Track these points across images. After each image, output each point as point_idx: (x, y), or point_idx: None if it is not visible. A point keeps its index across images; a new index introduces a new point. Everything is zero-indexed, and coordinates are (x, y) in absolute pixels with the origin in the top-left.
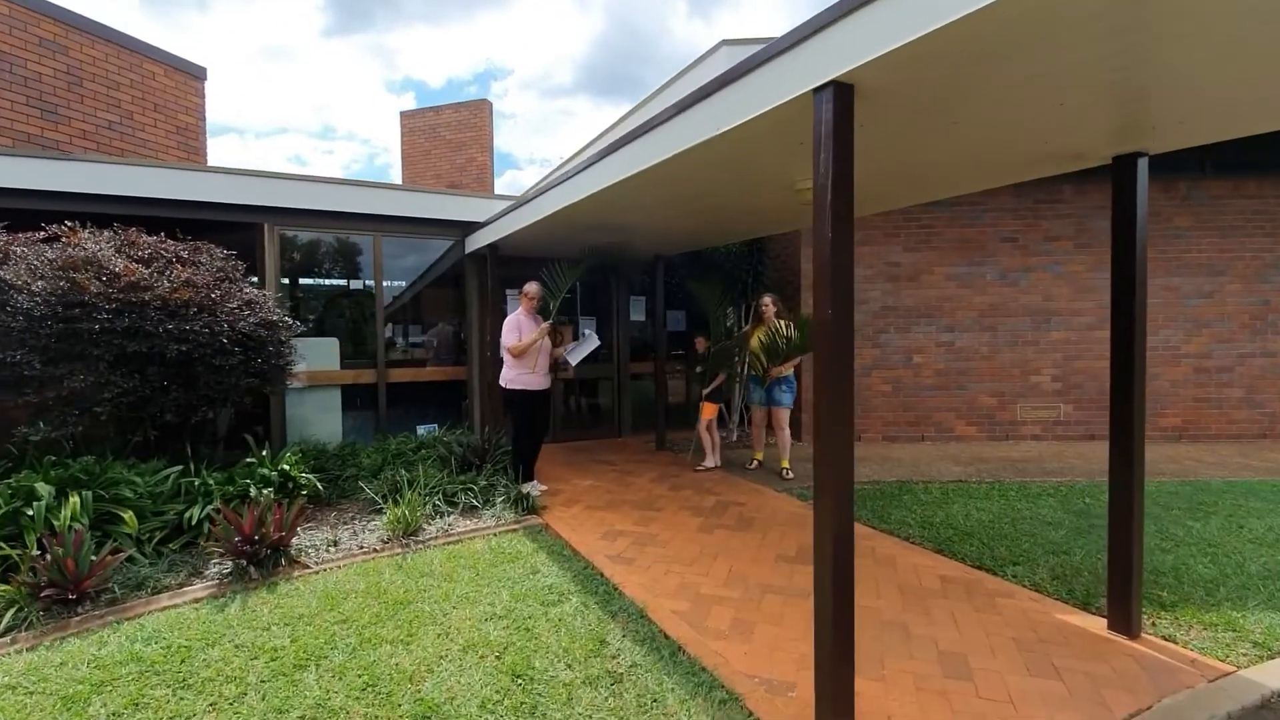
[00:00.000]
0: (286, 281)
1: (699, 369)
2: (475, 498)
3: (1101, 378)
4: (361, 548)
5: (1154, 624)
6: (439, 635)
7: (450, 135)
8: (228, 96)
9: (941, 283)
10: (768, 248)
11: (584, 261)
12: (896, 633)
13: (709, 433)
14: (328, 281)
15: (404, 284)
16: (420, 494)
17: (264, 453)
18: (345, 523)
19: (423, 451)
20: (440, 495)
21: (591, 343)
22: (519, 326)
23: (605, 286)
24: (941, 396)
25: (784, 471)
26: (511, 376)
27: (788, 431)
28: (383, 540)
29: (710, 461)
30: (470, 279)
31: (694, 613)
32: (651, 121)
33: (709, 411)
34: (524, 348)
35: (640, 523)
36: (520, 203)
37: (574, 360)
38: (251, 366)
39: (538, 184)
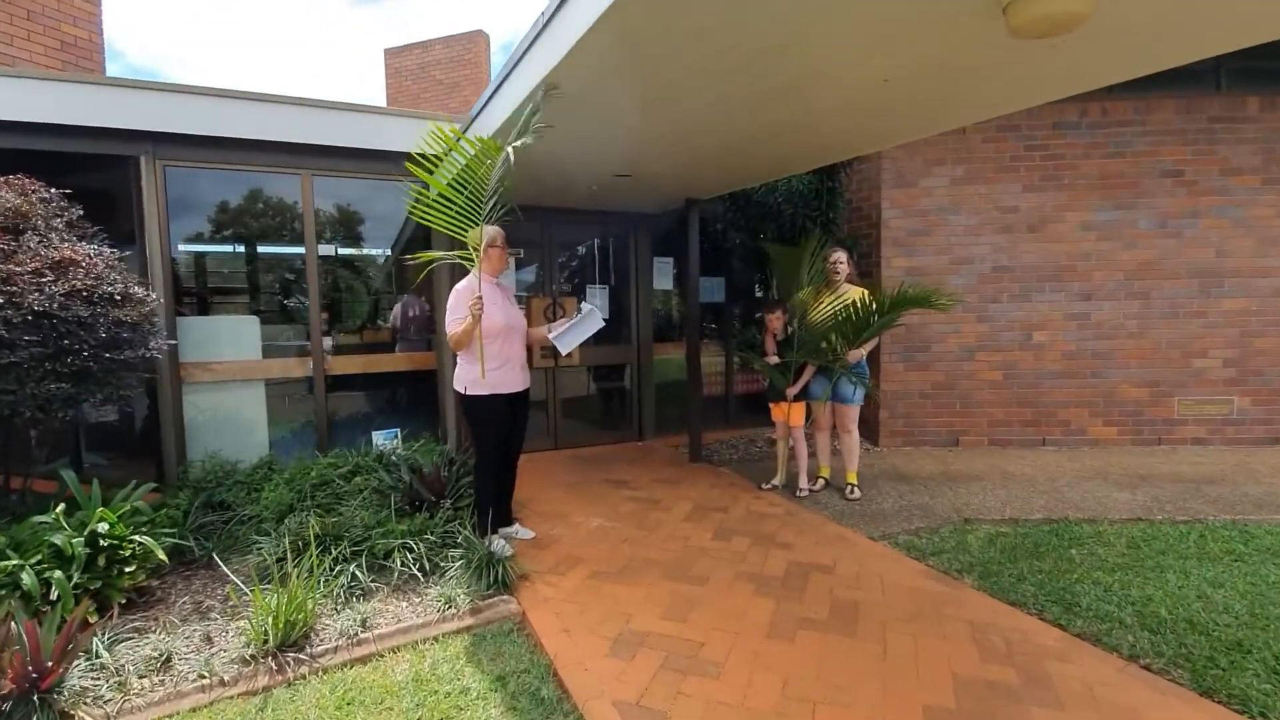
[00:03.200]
0: (197, 245)
1: (776, 357)
2: (419, 561)
3: None
4: (204, 675)
5: None
6: None
7: (442, 75)
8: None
9: (1075, 234)
10: (839, 188)
11: (534, 111)
12: None
13: (795, 445)
14: (256, 243)
15: (359, 242)
16: (328, 560)
17: (95, 497)
18: (206, 610)
19: (357, 479)
20: (366, 557)
21: (592, 322)
22: (467, 299)
23: (622, 244)
24: (1071, 387)
25: (849, 489)
26: (469, 376)
27: (855, 435)
28: (248, 656)
29: (780, 477)
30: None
31: None
32: None
33: (798, 417)
34: (461, 336)
35: (675, 613)
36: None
37: (565, 346)
38: (66, 362)
39: None
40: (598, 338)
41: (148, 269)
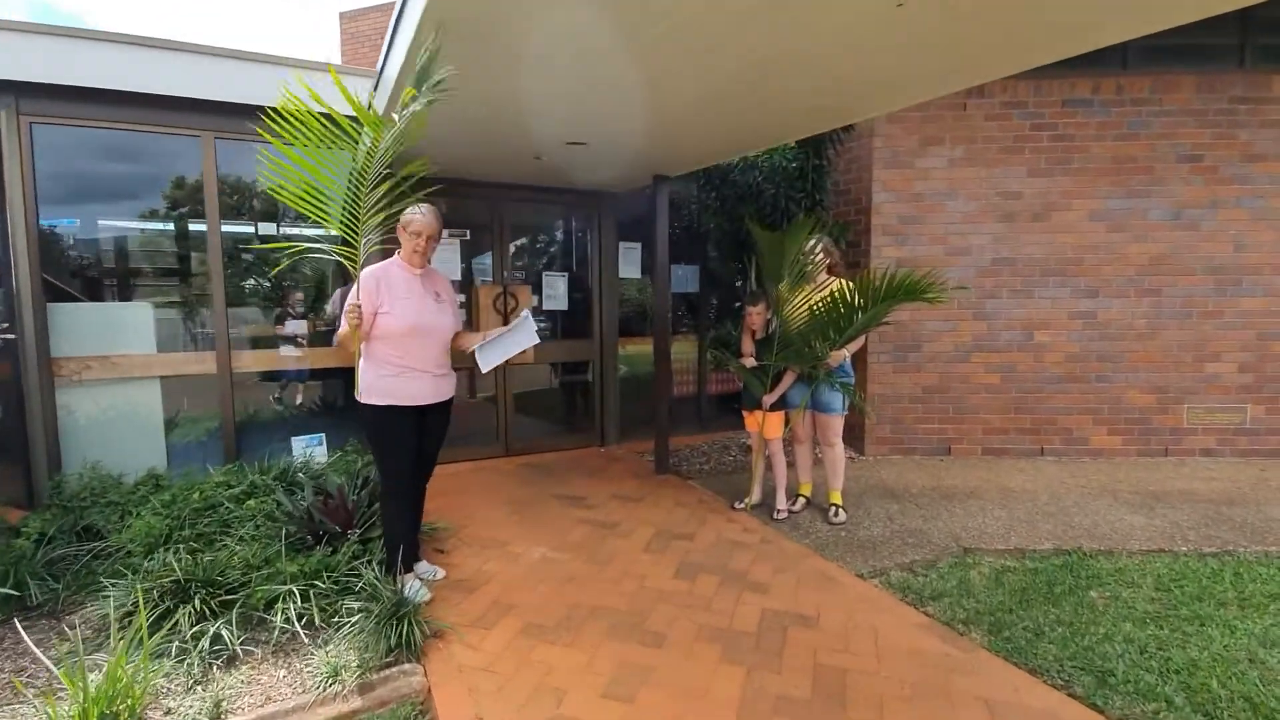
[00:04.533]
0: (74, 219)
1: (753, 359)
2: (309, 613)
3: None
4: None
5: None
6: None
7: None
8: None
9: (1083, 223)
10: (826, 167)
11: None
12: None
13: (772, 459)
14: (151, 218)
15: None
16: (187, 615)
17: None
18: (29, 681)
19: (251, 502)
20: (240, 609)
21: (523, 335)
22: (371, 295)
23: (584, 227)
24: (1074, 392)
25: (833, 511)
26: (371, 380)
27: (840, 449)
28: None
29: (754, 496)
30: None
31: None
32: None
33: (774, 428)
34: (342, 339)
35: (621, 688)
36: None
37: (485, 363)
38: None
39: None
40: (555, 331)
41: (8, 244)
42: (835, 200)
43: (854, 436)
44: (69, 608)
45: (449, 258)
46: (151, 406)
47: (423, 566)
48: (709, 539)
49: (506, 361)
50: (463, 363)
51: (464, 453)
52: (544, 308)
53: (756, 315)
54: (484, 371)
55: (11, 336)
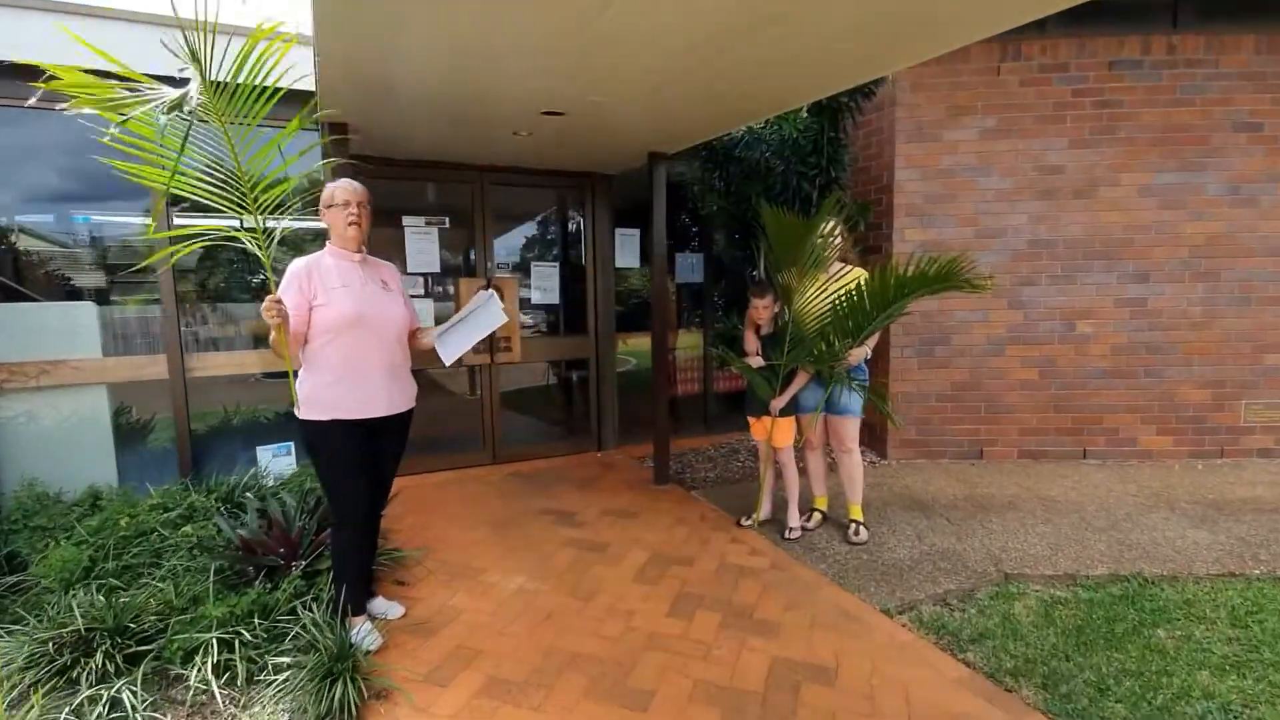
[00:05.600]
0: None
1: (759, 357)
2: (234, 667)
3: None
4: None
5: None
6: None
7: None
8: None
9: (1132, 199)
10: (843, 140)
11: None
12: None
13: (783, 469)
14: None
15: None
16: (89, 672)
17: None
18: None
19: (187, 527)
20: (152, 662)
21: (487, 316)
22: (302, 286)
23: (576, 213)
24: (1120, 388)
25: (853, 529)
26: (309, 391)
27: (858, 454)
28: None
29: (763, 511)
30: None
31: None
32: None
33: (784, 436)
34: (274, 342)
35: None
36: None
37: (447, 354)
38: None
39: None
40: (547, 327)
41: None
42: (854, 178)
43: (874, 438)
44: None
45: (427, 248)
46: (96, 416)
47: (378, 604)
48: (710, 565)
49: (491, 354)
50: (423, 362)
51: (446, 460)
52: (533, 301)
53: (763, 309)
54: (447, 364)
55: None
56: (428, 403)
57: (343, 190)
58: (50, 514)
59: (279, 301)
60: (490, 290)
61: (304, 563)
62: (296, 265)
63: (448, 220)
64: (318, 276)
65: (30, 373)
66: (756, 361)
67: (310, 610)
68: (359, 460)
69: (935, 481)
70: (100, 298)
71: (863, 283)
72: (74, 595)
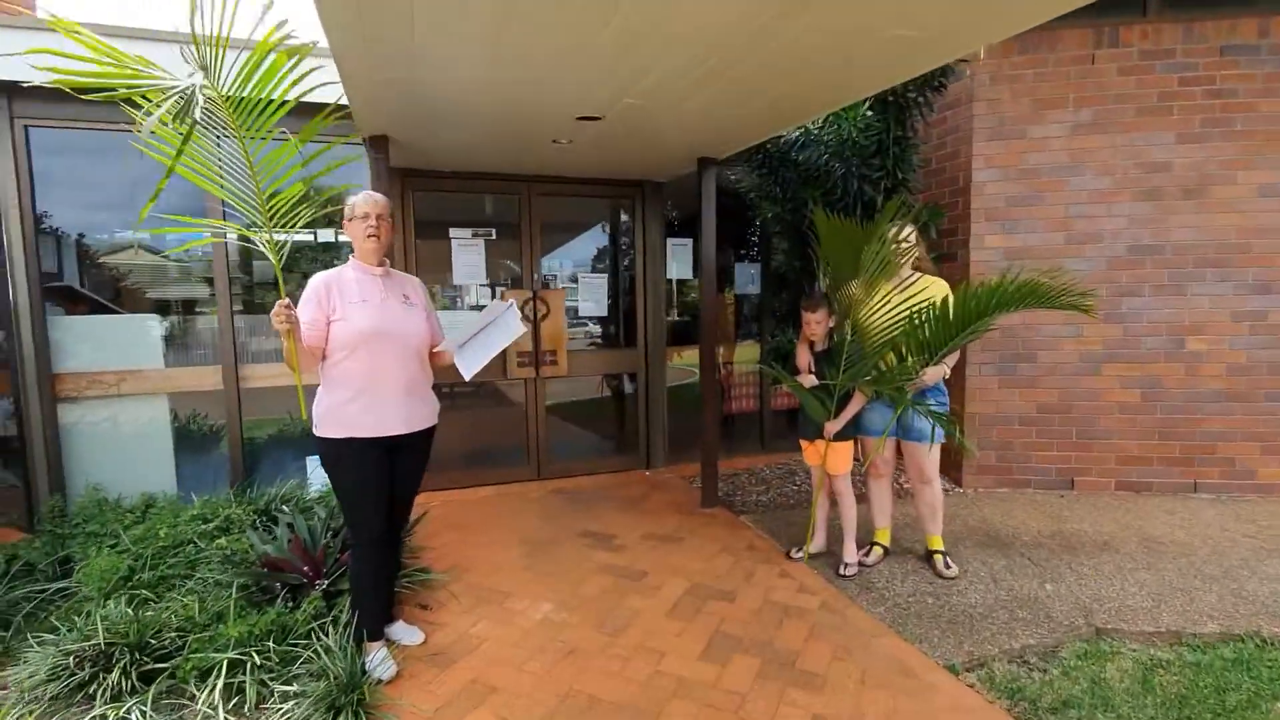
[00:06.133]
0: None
1: (812, 375)
2: (250, 683)
3: None
4: None
5: None
6: None
7: None
8: None
9: (1250, 200)
10: (911, 139)
11: None
12: None
13: (840, 498)
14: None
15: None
16: (105, 689)
17: None
18: None
19: (222, 540)
20: (167, 680)
21: (506, 327)
22: (321, 300)
23: (625, 222)
24: (1238, 413)
25: (942, 560)
26: (325, 408)
27: (938, 485)
28: None
29: (816, 543)
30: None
31: None
32: None
33: (840, 462)
34: (286, 356)
35: None
36: None
37: (466, 368)
38: None
39: None
40: (596, 340)
41: (4, 252)
42: (924, 180)
43: (948, 464)
44: (10, 659)
45: (474, 260)
46: (159, 425)
47: (398, 628)
48: (753, 601)
49: (537, 368)
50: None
51: (489, 475)
52: (580, 313)
53: (815, 323)
54: (467, 378)
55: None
56: (473, 416)
57: (363, 202)
58: (103, 520)
59: (288, 307)
60: (510, 301)
61: (326, 582)
62: (316, 280)
63: (494, 232)
64: (337, 291)
65: (109, 381)
66: (809, 380)
67: (326, 634)
68: (376, 480)
69: (1017, 514)
70: (161, 310)
71: (938, 298)
72: (110, 604)
